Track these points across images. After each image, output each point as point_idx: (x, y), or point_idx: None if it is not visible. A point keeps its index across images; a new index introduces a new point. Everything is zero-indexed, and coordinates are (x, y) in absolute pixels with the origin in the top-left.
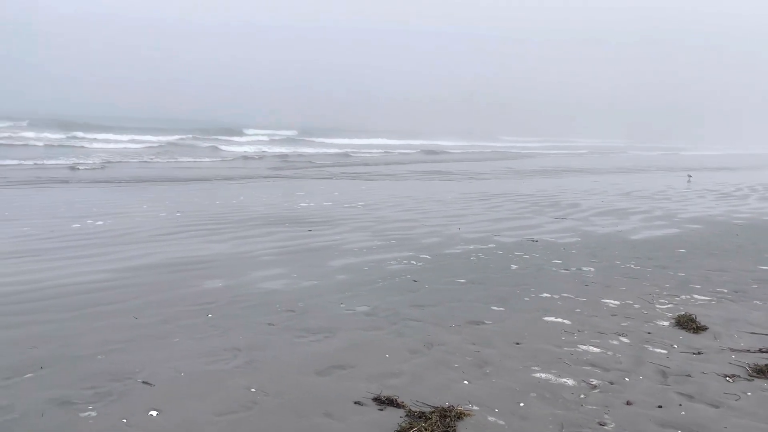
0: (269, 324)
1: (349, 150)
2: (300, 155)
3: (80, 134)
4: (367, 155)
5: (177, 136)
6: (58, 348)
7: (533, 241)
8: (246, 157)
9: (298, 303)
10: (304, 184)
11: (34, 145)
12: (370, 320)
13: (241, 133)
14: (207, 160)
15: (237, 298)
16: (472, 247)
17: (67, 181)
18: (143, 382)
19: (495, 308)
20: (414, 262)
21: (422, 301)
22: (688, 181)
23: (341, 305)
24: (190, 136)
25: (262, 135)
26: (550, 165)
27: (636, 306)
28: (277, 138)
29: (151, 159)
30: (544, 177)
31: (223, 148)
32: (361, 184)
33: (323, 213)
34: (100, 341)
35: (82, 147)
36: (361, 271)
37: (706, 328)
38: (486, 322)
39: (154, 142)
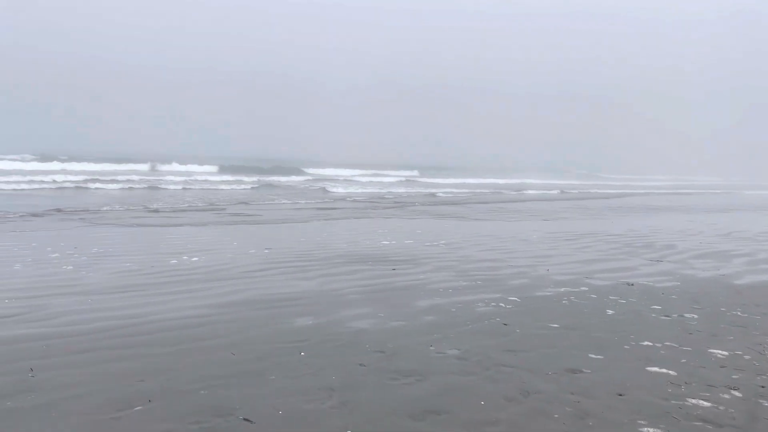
0: (360, 364)
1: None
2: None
3: None
4: (449, 195)
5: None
6: (165, 382)
7: (629, 284)
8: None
9: (387, 344)
10: (387, 222)
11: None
12: (462, 364)
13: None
14: (302, 201)
15: (327, 336)
16: (562, 289)
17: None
18: (244, 419)
19: (593, 356)
20: (503, 305)
21: (514, 346)
22: None
23: (431, 347)
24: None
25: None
26: (642, 204)
27: (746, 357)
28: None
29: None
30: (633, 216)
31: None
32: (444, 223)
33: (407, 251)
34: (202, 376)
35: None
36: (449, 312)
37: None
38: (584, 370)
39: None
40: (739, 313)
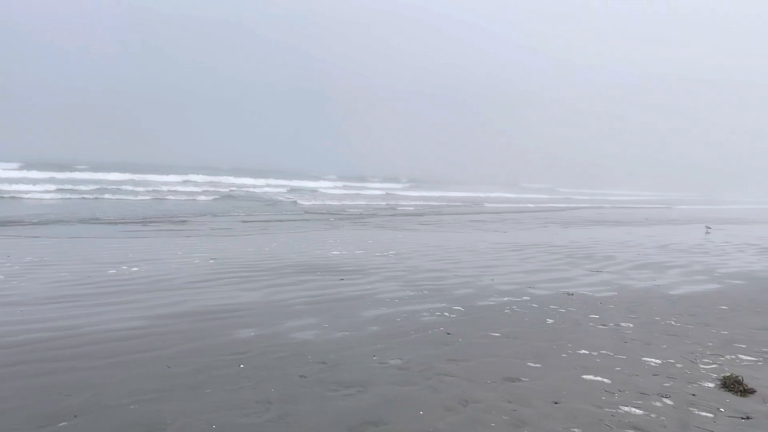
0: (301, 376)
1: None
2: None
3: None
4: (410, 208)
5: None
6: (93, 396)
7: (569, 294)
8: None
9: (330, 355)
10: (338, 233)
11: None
12: (404, 375)
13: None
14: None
15: (269, 348)
16: (506, 299)
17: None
18: None
19: (532, 364)
20: (447, 314)
21: (456, 355)
22: (707, 233)
23: (374, 358)
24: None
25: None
26: (587, 217)
27: (678, 365)
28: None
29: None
30: (579, 228)
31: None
32: (397, 234)
33: (355, 261)
34: (133, 390)
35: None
36: (394, 322)
37: (754, 391)
38: (523, 379)
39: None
40: (672, 323)
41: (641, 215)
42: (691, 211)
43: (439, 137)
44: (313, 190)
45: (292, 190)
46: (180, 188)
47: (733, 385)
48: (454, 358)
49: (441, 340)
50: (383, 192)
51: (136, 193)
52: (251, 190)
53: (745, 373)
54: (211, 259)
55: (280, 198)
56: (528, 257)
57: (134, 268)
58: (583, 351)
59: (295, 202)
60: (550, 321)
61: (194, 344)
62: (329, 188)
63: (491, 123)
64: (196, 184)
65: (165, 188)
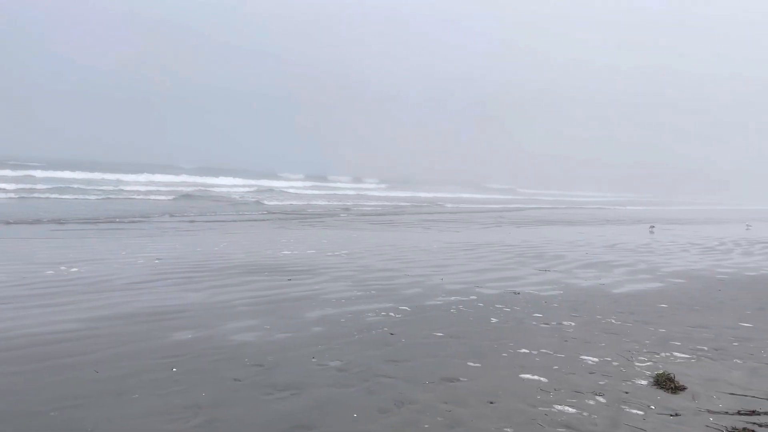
0: (235, 380)
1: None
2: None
3: None
4: (374, 208)
5: None
6: (14, 403)
7: (515, 293)
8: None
9: (268, 357)
10: (294, 232)
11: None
12: (342, 376)
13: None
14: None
15: (205, 351)
16: (453, 298)
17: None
18: None
19: (471, 364)
20: (393, 314)
21: (397, 355)
22: (651, 232)
23: (313, 359)
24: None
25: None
26: (542, 216)
27: (615, 363)
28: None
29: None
30: (533, 228)
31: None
32: (353, 233)
33: (306, 261)
34: (57, 396)
35: None
36: (338, 323)
37: (685, 388)
38: (461, 379)
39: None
40: (613, 321)
41: (597, 215)
42: (642, 211)
43: (414, 138)
44: (281, 191)
45: (261, 190)
46: (140, 188)
47: (665, 383)
48: (395, 359)
49: (383, 341)
50: (354, 192)
51: (92, 192)
52: (216, 190)
53: (678, 371)
54: (157, 259)
55: (246, 198)
56: (479, 256)
57: (74, 269)
58: (523, 350)
59: (258, 201)
60: (494, 320)
61: (127, 347)
62: (298, 188)
63: (464, 123)
64: (156, 183)
65: (126, 188)
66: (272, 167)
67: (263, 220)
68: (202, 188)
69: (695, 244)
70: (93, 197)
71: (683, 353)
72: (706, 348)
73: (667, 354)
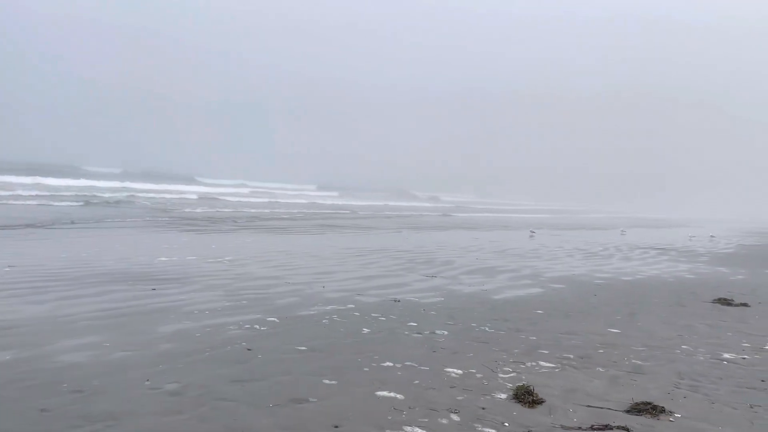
0: (43, 410)
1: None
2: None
3: None
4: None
5: None
6: None
7: (396, 301)
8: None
9: (93, 381)
10: (185, 237)
11: None
12: (174, 401)
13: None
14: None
15: (21, 374)
16: (329, 308)
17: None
18: None
19: (327, 382)
20: (258, 327)
21: (247, 374)
22: (530, 236)
23: (147, 382)
24: None
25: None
26: (448, 222)
27: (478, 375)
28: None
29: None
30: (432, 232)
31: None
32: (247, 238)
33: (181, 269)
34: None
35: None
36: (192, 338)
37: (543, 401)
38: (310, 399)
39: None
40: (487, 329)
41: (499, 221)
42: (547, 218)
43: (354, 144)
44: (213, 197)
45: (202, 196)
46: (43, 192)
47: (524, 396)
48: (243, 379)
49: (236, 358)
50: (267, 200)
51: None
52: (143, 195)
53: (540, 382)
54: (8, 266)
55: (165, 203)
56: (370, 262)
57: None
58: (387, 363)
59: (165, 209)
60: (366, 331)
61: None
62: (240, 194)
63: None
64: (66, 188)
65: (25, 192)
66: (224, 173)
67: (159, 225)
68: (139, 193)
69: (581, 249)
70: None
71: (549, 362)
72: (572, 356)
73: (533, 363)
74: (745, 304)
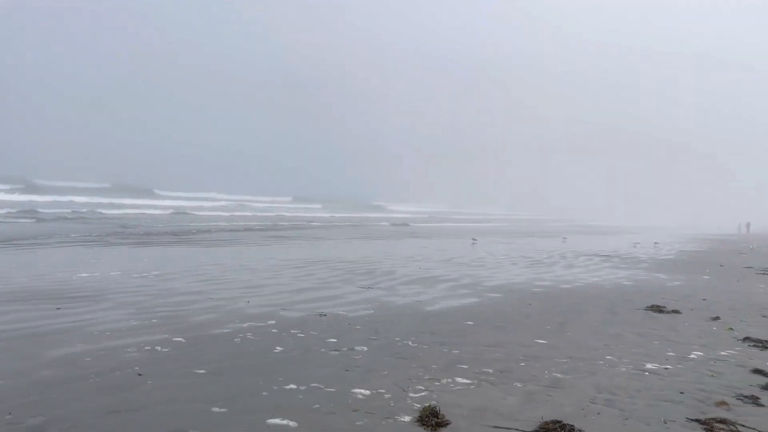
0: None
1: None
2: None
3: None
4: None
5: None
6: None
7: (321, 315)
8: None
9: None
10: (118, 251)
11: None
12: None
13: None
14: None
15: None
16: (246, 325)
17: None
18: None
19: (216, 410)
20: (159, 348)
21: (128, 404)
22: (473, 243)
23: (8, 416)
24: None
25: None
26: (402, 231)
27: (387, 396)
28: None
29: None
30: (382, 241)
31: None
32: (187, 250)
33: (98, 285)
34: None
35: None
36: (80, 363)
37: (448, 423)
38: (189, 431)
39: None
40: (410, 343)
41: (459, 230)
42: (501, 226)
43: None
44: (183, 212)
45: (165, 209)
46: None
47: (428, 418)
48: (121, 409)
49: (123, 385)
50: (227, 214)
51: None
52: (104, 210)
53: (452, 401)
54: None
55: (126, 217)
56: (307, 274)
57: None
58: (291, 386)
59: (122, 223)
60: (278, 349)
61: None
62: (205, 207)
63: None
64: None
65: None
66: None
67: (102, 240)
68: (91, 208)
69: (527, 257)
70: None
71: (466, 378)
72: (491, 370)
73: (449, 380)
74: (676, 311)
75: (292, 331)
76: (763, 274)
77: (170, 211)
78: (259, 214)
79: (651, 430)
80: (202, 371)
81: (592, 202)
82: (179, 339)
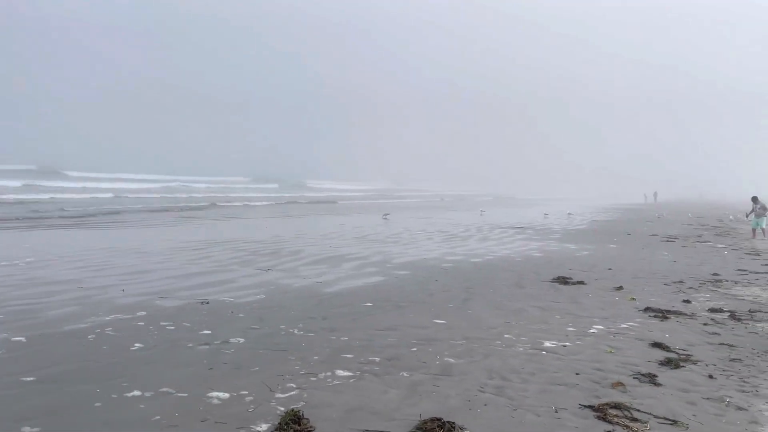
0: None
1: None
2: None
3: None
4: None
5: None
6: None
7: (204, 303)
8: None
9: None
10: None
11: None
12: None
13: None
14: None
15: None
16: (110, 318)
17: None
18: None
19: (27, 429)
20: None
21: None
22: (385, 219)
23: None
24: None
25: None
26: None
27: (248, 399)
28: None
29: None
30: (300, 220)
31: None
32: (80, 233)
33: None
34: None
35: None
36: None
37: (312, 429)
38: None
39: None
40: (295, 331)
41: (385, 206)
42: (430, 201)
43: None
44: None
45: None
46: None
47: (288, 426)
48: None
49: None
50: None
51: None
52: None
53: (324, 400)
54: None
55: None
56: (203, 257)
57: None
58: (135, 392)
59: (62, 207)
60: (137, 347)
61: None
62: (142, 189)
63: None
64: None
65: None
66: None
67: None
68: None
69: (443, 231)
70: None
71: (348, 370)
72: (378, 359)
73: (328, 374)
74: (581, 282)
75: (161, 324)
76: (667, 241)
77: (92, 195)
78: (196, 195)
79: (540, 423)
80: (31, 378)
81: (522, 175)
82: (19, 338)
